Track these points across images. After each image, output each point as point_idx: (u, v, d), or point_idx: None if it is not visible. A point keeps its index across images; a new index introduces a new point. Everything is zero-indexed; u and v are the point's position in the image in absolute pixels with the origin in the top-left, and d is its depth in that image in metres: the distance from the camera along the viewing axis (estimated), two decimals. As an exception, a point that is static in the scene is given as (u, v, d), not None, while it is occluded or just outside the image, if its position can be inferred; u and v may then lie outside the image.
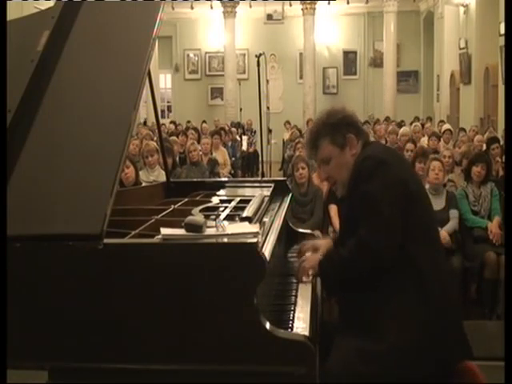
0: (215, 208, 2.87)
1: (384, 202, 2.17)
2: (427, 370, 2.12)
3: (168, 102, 19.49)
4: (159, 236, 2.11)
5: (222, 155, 9.19)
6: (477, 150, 7.22)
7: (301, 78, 17.57)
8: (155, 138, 8.38)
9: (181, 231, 2.11)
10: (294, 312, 2.33)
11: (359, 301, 2.24)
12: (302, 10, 16.60)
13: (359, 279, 2.22)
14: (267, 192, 3.18)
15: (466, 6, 13.75)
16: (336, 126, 2.41)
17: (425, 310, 2.15)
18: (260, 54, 5.71)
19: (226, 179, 6.55)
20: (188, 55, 19.00)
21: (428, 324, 2.14)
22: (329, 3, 17.08)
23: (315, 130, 2.48)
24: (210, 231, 2.13)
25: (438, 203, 5.18)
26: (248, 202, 2.79)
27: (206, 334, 2.00)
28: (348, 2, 17.49)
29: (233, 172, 9.61)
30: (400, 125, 12.90)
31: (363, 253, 2.18)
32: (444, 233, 4.95)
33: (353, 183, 2.32)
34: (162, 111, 18.52)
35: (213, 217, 2.49)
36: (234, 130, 12.94)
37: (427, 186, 5.28)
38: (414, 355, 2.11)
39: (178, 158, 7.92)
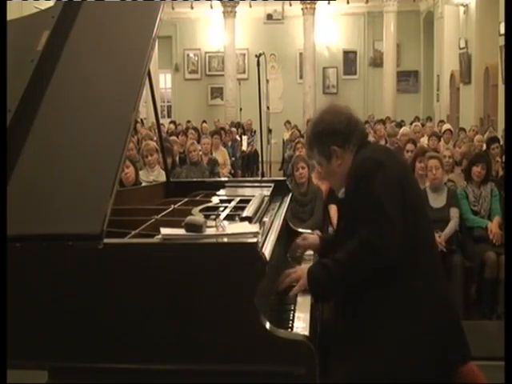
0: (215, 208, 2.86)
1: (387, 202, 2.13)
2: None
3: (168, 101, 19.48)
4: (159, 236, 2.10)
5: (222, 155, 9.19)
6: (477, 150, 7.23)
7: (301, 77, 17.58)
8: (155, 138, 8.38)
9: (181, 231, 2.10)
10: (294, 312, 2.32)
11: (353, 310, 2.22)
12: (302, 9, 16.61)
13: (355, 285, 2.18)
14: (267, 192, 3.17)
15: (466, 6, 13.75)
16: (320, 138, 2.39)
17: (418, 319, 2.14)
18: (260, 54, 5.70)
19: (225, 179, 6.55)
20: (188, 55, 19.00)
21: (426, 333, 2.13)
22: (329, 3, 17.09)
23: (308, 138, 2.49)
24: (209, 231, 2.12)
25: (438, 201, 5.18)
26: (248, 201, 2.79)
27: (205, 333, 2.00)
28: (348, 2, 17.51)
29: (233, 172, 9.61)
30: (400, 125, 12.91)
31: (364, 252, 2.13)
32: (442, 237, 4.96)
33: (352, 185, 2.28)
34: (162, 111, 18.52)
35: (213, 217, 2.48)
36: (233, 129, 12.93)
37: (427, 185, 5.27)
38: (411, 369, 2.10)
39: (177, 158, 7.92)
